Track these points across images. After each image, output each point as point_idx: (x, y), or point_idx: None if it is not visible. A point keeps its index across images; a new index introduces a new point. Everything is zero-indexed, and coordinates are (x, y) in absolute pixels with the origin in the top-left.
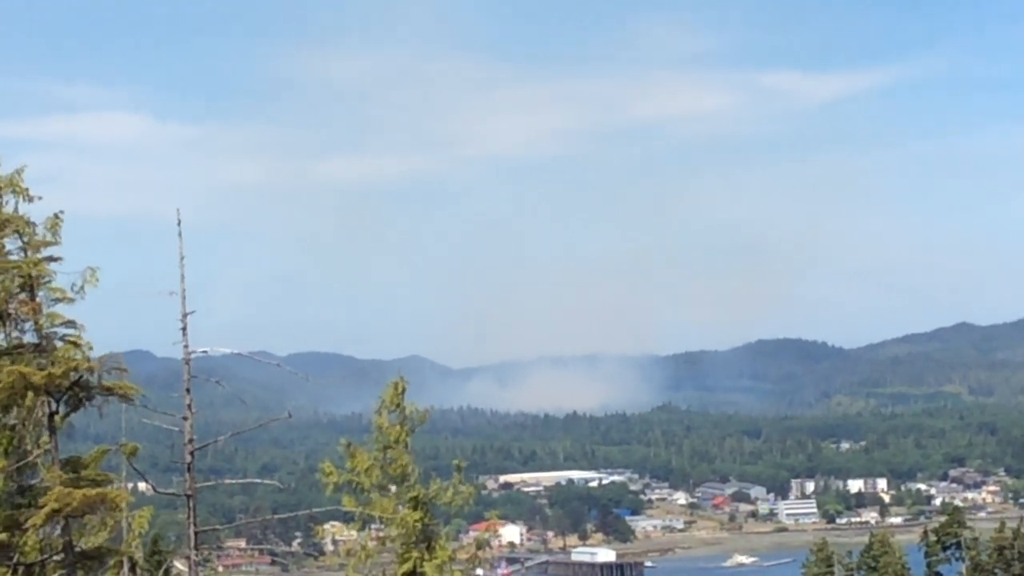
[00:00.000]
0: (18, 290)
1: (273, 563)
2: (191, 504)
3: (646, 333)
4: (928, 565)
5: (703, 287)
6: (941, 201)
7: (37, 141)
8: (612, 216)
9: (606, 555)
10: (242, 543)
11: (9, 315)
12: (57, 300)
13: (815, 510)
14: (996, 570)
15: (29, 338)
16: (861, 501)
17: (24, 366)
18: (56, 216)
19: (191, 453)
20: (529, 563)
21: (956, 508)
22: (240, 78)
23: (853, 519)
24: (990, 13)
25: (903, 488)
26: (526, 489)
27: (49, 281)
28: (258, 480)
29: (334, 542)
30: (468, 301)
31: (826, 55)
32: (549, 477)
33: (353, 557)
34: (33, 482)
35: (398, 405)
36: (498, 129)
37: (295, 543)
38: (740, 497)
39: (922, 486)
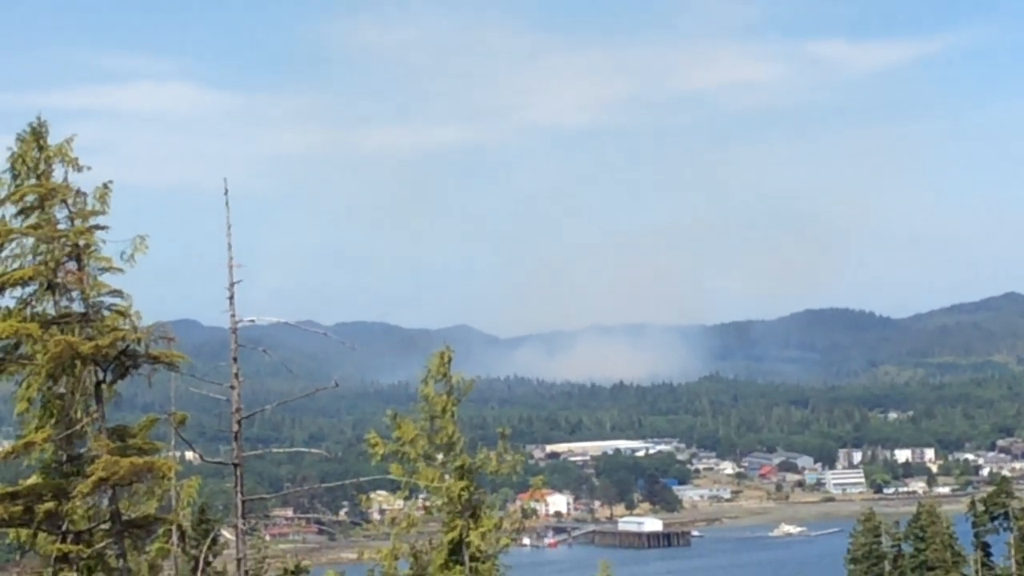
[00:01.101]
0: (66, 259)
1: (320, 532)
2: (238, 473)
3: (693, 303)
4: (976, 535)
5: (751, 257)
6: (990, 170)
7: (85, 111)
8: (660, 185)
9: (653, 524)
10: (289, 512)
11: (58, 284)
12: (104, 269)
13: (862, 480)
14: None
15: (77, 307)
16: (908, 471)
17: (72, 336)
18: (105, 186)
19: (238, 422)
20: (576, 532)
21: (1004, 478)
22: (288, 47)
23: (900, 489)
24: None
25: (951, 458)
26: (573, 459)
27: (96, 250)
28: (305, 449)
29: (381, 511)
30: (516, 270)
31: (876, 23)
32: (596, 447)
33: (399, 526)
34: (81, 451)
35: (444, 374)
36: (547, 98)
37: (342, 512)
38: (787, 467)
39: (970, 456)
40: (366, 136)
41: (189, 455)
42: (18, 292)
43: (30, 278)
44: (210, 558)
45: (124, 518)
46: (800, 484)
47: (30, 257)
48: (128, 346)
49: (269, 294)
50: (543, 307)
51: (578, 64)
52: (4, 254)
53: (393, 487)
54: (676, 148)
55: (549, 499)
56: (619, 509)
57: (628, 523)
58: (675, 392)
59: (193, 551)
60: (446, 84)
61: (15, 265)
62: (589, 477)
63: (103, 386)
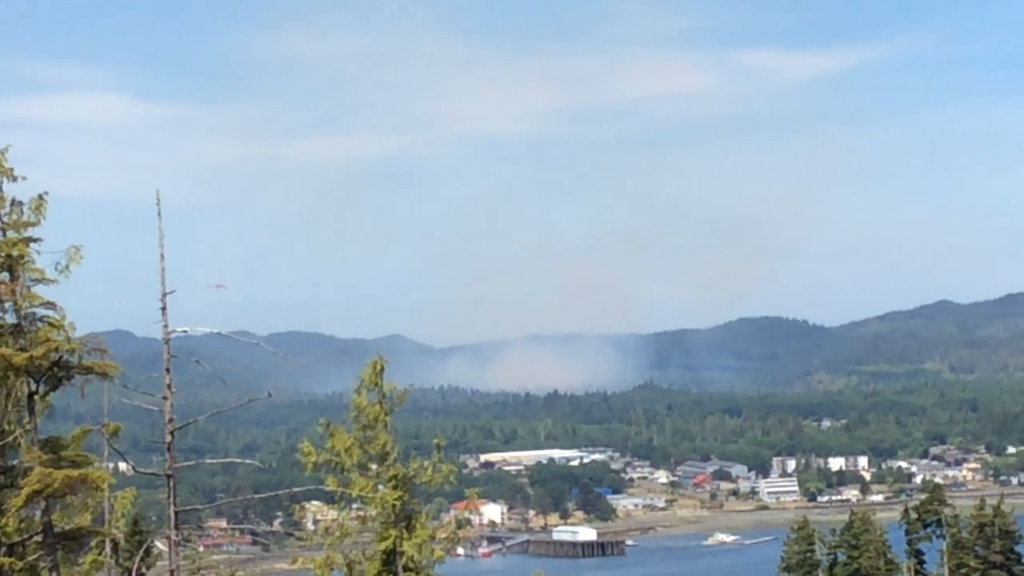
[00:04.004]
0: None
1: (254, 543)
2: (171, 484)
3: (628, 312)
4: (909, 543)
5: (685, 266)
6: (922, 179)
7: (16, 121)
8: (594, 195)
9: (587, 534)
10: (223, 523)
11: None
12: (37, 280)
13: (796, 488)
14: (977, 547)
15: (9, 319)
16: (842, 479)
17: (5, 347)
18: (41, 197)
19: (171, 433)
20: (510, 542)
21: (937, 486)
22: (220, 58)
23: (834, 497)
24: None
25: (884, 466)
26: (507, 468)
27: (30, 261)
28: (239, 460)
29: (315, 521)
30: (449, 280)
31: (805, 33)
32: (530, 456)
33: (333, 536)
34: (13, 463)
35: (377, 384)
36: (478, 108)
37: (276, 523)
38: (721, 475)
39: (903, 464)
40: (299, 147)
41: (122, 466)
42: None
43: None
44: (143, 570)
45: (57, 530)
46: (734, 492)
47: None
48: (61, 357)
49: (202, 304)
50: (477, 317)
51: (510, 74)
52: None
53: (327, 497)
54: (609, 158)
55: (483, 508)
56: (553, 518)
57: (562, 532)
58: (609, 401)
59: (126, 563)
60: (379, 94)
61: None
62: (523, 486)
63: (36, 397)
